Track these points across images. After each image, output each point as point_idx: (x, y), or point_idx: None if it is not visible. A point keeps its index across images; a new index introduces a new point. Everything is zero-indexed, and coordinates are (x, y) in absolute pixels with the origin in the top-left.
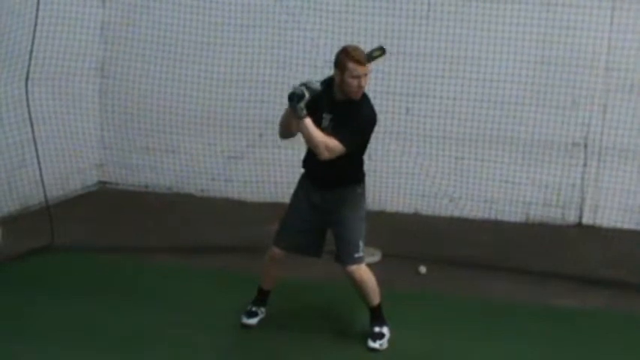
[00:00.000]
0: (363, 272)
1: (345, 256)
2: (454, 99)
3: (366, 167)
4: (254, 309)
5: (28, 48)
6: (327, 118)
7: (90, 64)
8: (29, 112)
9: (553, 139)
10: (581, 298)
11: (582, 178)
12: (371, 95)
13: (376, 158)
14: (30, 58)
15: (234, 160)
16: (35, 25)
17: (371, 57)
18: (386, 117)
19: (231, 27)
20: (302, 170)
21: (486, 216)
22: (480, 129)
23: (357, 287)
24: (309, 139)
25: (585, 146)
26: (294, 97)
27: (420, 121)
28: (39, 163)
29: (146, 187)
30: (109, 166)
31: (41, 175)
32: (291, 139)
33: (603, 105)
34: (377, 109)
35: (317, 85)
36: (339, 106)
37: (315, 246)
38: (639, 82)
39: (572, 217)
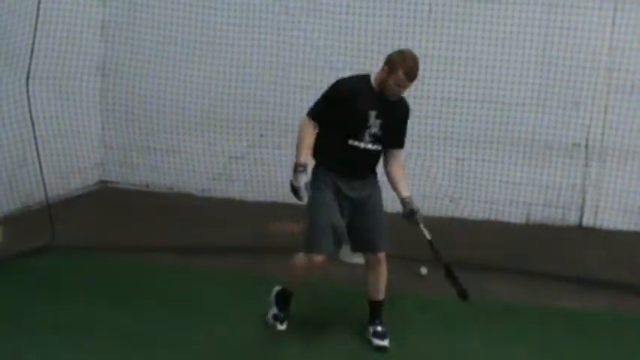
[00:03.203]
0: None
1: None
2: (455, 100)
3: None
4: (282, 314)
5: (29, 47)
6: (372, 115)
7: (91, 63)
8: (30, 111)
9: (554, 139)
10: (582, 300)
11: (583, 179)
12: None
13: None
14: (31, 57)
15: (235, 160)
16: (36, 23)
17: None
18: None
19: (232, 27)
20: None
21: (487, 217)
22: (481, 130)
23: None
24: None
25: (586, 147)
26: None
27: (421, 122)
28: (40, 162)
29: (147, 186)
30: (109, 165)
31: (42, 174)
32: (290, 139)
33: (604, 106)
34: None
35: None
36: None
37: None
38: None
39: (572, 218)
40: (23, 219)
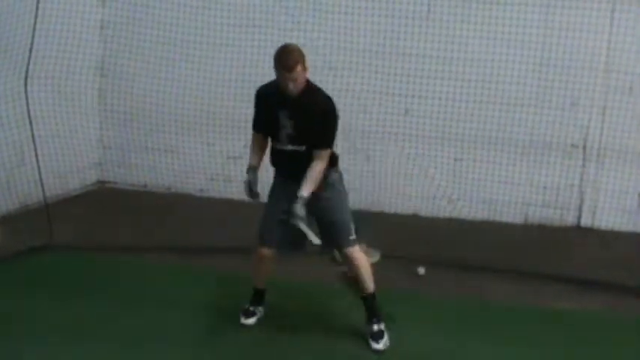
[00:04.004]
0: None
1: None
2: (453, 100)
3: (364, 168)
4: (251, 308)
5: (28, 46)
6: (283, 115)
7: (89, 62)
8: (28, 111)
9: (552, 140)
10: (580, 300)
11: (581, 180)
12: (370, 96)
13: (375, 159)
14: (29, 57)
15: (233, 160)
16: (35, 23)
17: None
18: (385, 117)
19: (231, 27)
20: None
21: (485, 217)
22: (479, 130)
23: None
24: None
25: (584, 147)
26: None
27: (419, 122)
28: (38, 161)
29: (145, 186)
30: (108, 165)
31: (40, 173)
32: None
33: (602, 106)
34: (376, 109)
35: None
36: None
37: None
38: (638, 83)
39: (570, 219)
40: (21, 219)
